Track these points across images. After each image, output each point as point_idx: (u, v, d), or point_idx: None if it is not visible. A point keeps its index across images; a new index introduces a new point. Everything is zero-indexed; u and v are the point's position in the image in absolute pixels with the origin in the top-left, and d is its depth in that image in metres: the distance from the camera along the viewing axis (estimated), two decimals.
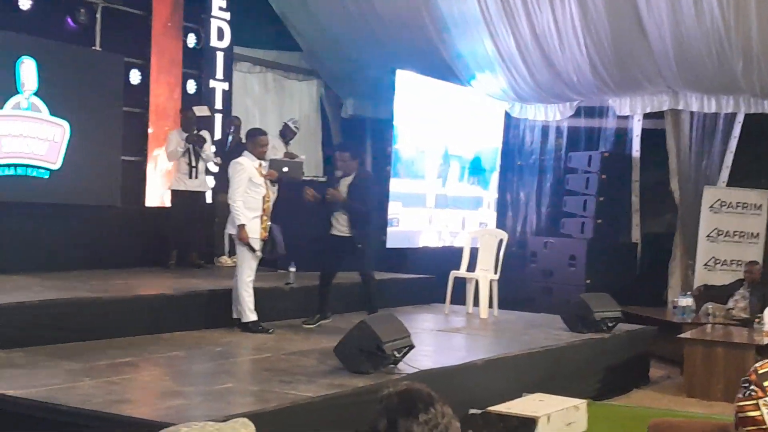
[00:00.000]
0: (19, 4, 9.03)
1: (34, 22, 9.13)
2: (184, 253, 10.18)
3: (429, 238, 12.12)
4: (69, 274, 8.60)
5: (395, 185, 11.51)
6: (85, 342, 6.67)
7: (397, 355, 6.24)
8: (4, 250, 8.61)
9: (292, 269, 8.91)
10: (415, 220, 11.89)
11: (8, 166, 8.80)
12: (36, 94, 9.00)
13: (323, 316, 8.26)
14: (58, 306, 6.86)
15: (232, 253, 9.66)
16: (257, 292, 7.79)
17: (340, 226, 8.02)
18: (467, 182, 12.81)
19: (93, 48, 9.84)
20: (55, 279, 8.17)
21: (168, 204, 10.25)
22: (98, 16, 9.86)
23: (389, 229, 11.37)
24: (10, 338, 6.33)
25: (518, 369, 7.27)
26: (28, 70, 8.93)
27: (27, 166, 8.97)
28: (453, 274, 9.72)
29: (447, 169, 12.40)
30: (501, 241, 9.76)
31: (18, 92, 8.86)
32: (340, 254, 8.06)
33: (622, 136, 12.32)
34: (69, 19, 9.57)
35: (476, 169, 12.97)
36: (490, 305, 9.64)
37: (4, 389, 5.11)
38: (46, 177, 9.15)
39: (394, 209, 11.47)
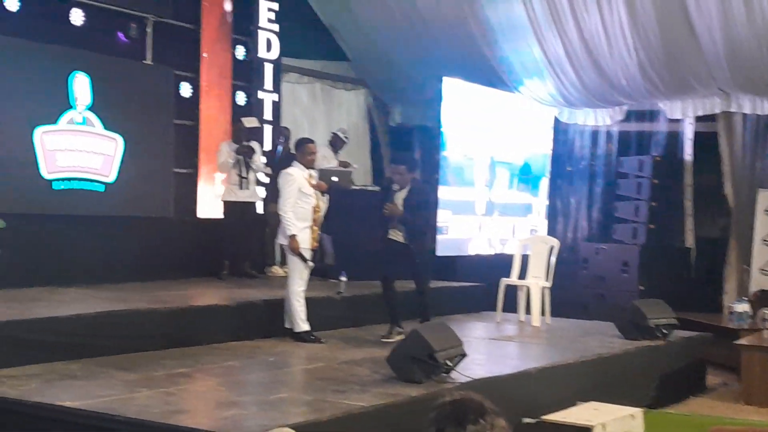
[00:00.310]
0: (72, 19, 9.18)
1: (86, 37, 9.29)
2: (237, 264, 10.26)
3: (479, 246, 12.08)
4: (124, 286, 8.71)
5: (444, 193, 11.50)
6: (141, 353, 6.74)
7: (450, 364, 6.22)
8: (61, 263, 8.76)
9: (343, 278, 8.93)
10: (464, 227, 11.86)
11: (64, 180, 8.97)
12: (90, 108, 9.16)
13: (398, 326, 7.96)
14: (114, 317, 6.96)
15: (284, 263, 9.72)
16: (309, 301, 7.82)
17: (398, 232, 7.96)
18: (517, 189, 12.76)
19: (144, 62, 9.98)
20: (110, 291, 8.28)
21: (220, 215, 10.34)
22: (149, 30, 9.99)
23: (439, 237, 11.35)
24: (68, 350, 6.43)
25: (572, 377, 7.20)
26: (81, 85, 9.10)
27: (82, 179, 9.13)
28: (504, 281, 9.66)
29: (496, 176, 12.37)
30: (552, 247, 9.69)
31: (72, 107, 9.03)
32: (397, 260, 7.96)
33: (673, 139, 12.17)
34: (120, 34, 9.71)
35: (526, 175, 12.91)
36: (542, 313, 9.57)
37: (63, 401, 5.19)
38: (101, 190, 9.30)
39: (443, 217, 11.46)
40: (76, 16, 9.21)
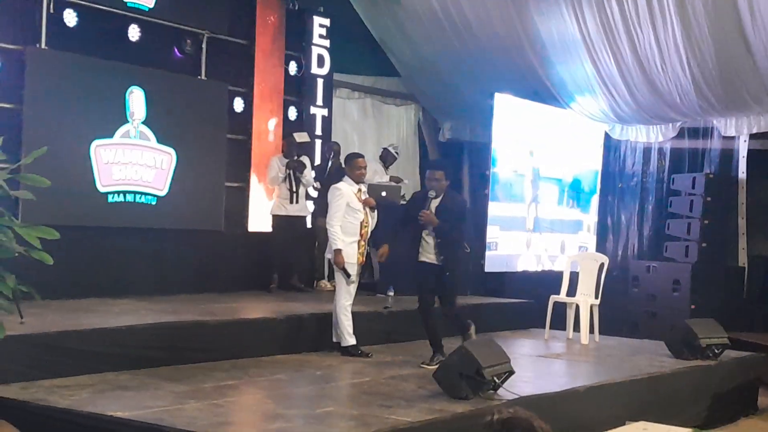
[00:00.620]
0: (129, 35, 9.36)
1: (142, 53, 9.46)
2: (286, 277, 10.35)
3: (527, 262, 12.04)
4: (175, 298, 8.83)
5: (494, 209, 11.48)
6: (190, 365, 6.83)
7: (497, 381, 6.20)
8: (113, 274, 8.91)
9: (391, 293, 8.97)
10: (513, 243, 11.83)
11: (118, 192, 9.13)
12: (144, 122, 9.32)
13: (440, 353, 7.48)
14: (165, 329, 7.06)
15: (332, 277, 9.77)
16: (356, 316, 7.85)
17: (428, 252, 7.55)
18: (566, 205, 12.70)
19: (198, 77, 10.13)
20: (162, 302, 8.40)
21: (269, 229, 10.44)
22: (204, 46, 10.14)
23: (487, 253, 11.33)
24: (119, 361, 6.54)
25: (621, 396, 7.13)
26: (136, 100, 9.27)
27: (136, 192, 9.29)
28: (553, 298, 9.61)
29: (545, 192, 12.33)
30: (602, 265, 9.61)
31: (127, 121, 9.20)
32: (431, 283, 7.58)
33: (727, 157, 11.99)
34: (176, 50, 9.87)
35: (576, 191, 12.85)
36: (591, 330, 9.49)
37: (114, 411, 5.27)
38: (154, 203, 9.45)
39: (492, 233, 11.44)
40: (133, 32, 9.37)
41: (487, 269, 11.30)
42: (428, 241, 7.55)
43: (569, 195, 12.72)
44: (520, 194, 11.95)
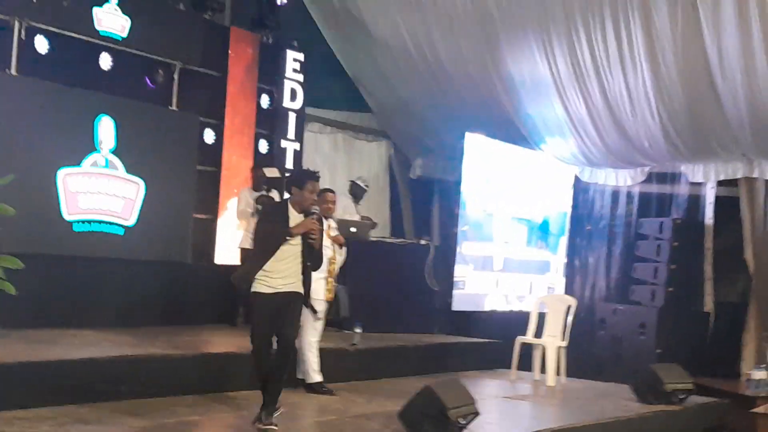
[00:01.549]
0: (101, 63, 9.31)
1: (113, 82, 9.41)
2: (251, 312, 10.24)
3: (496, 302, 12.03)
4: (140, 330, 8.71)
5: (464, 248, 11.49)
6: (154, 398, 6.71)
7: (462, 422, 6.17)
8: (77, 305, 8.77)
9: (358, 330, 8.90)
10: (481, 283, 11.83)
11: (85, 221, 9.03)
12: (113, 151, 9.25)
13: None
14: (128, 362, 6.94)
15: None
16: (322, 352, 7.78)
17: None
18: (535, 246, 12.73)
19: (170, 107, 10.09)
20: (125, 335, 8.28)
21: (237, 261, 10.35)
22: (175, 76, 10.11)
23: (456, 292, 11.32)
24: (81, 393, 6.41)
25: None
26: (106, 129, 9.20)
27: (103, 222, 9.19)
28: (519, 339, 9.60)
29: (514, 233, 12.36)
30: (569, 306, 9.63)
31: (96, 150, 9.12)
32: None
33: (694, 202, 12.10)
34: (147, 79, 9.83)
35: (544, 232, 12.89)
36: (558, 372, 9.48)
37: None
38: (121, 233, 9.35)
39: (461, 272, 11.43)
40: (105, 61, 9.33)
41: (454, 308, 11.28)
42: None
43: (538, 236, 12.75)
44: (489, 234, 11.96)
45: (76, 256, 8.91)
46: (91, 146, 9.08)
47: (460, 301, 11.39)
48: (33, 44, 8.68)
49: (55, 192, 8.76)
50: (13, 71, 8.55)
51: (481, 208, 11.85)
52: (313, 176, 6.36)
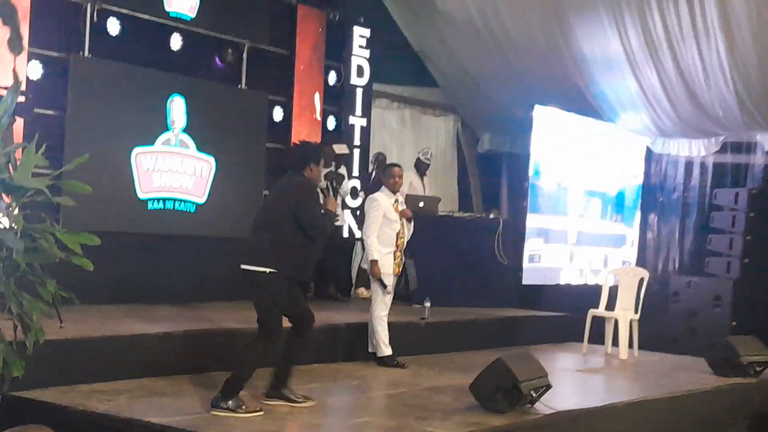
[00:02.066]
0: (171, 44, 9.43)
1: (183, 62, 9.52)
2: (323, 286, 10.34)
3: (570, 276, 11.97)
4: (212, 305, 8.85)
5: (537, 221, 11.43)
6: (227, 372, 6.81)
7: (534, 395, 6.14)
8: (151, 281, 8.95)
9: (427, 304, 8.93)
10: (557, 256, 11.78)
11: (158, 199, 9.19)
12: (184, 130, 9.38)
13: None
14: (202, 336, 7.08)
15: (369, 286, 9.75)
16: (392, 326, 7.83)
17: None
18: (610, 219, 12.62)
19: (239, 86, 10.18)
20: (198, 310, 8.43)
21: None
22: (244, 55, 10.18)
23: (530, 265, 11.28)
24: (157, 367, 6.57)
25: (661, 413, 7.04)
26: (177, 108, 9.33)
27: (175, 199, 9.34)
28: (591, 312, 9.51)
29: (589, 206, 12.27)
30: (642, 279, 9.50)
31: (168, 129, 9.27)
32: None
33: None
34: (217, 59, 9.92)
35: (619, 205, 12.77)
36: (630, 345, 9.38)
37: (150, 417, 5.29)
38: (193, 211, 9.50)
39: (535, 245, 11.40)
40: (175, 41, 9.44)
41: (527, 282, 11.25)
42: None
43: (613, 209, 12.64)
44: (563, 207, 11.88)
45: (149, 233, 9.08)
46: (163, 125, 9.23)
47: (533, 275, 11.35)
48: (105, 26, 8.82)
49: (129, 171, 8.94)
50: (87, 53, 8.72)
51: (552, 181, 11.75)
52: (324, 149, 6.29)
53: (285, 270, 5.90)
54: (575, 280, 11.98)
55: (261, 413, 5.64)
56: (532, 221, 11.42)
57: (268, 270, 5.84)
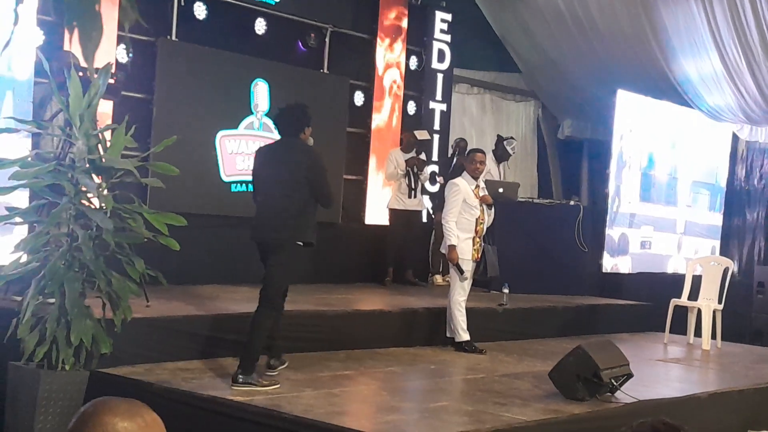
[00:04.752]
0: (255, 28, 9.54)
1: (267, 47, 9.63)
2: (400, 271, 10.39)
3: (677, 264, 12.03)
4: (292, 287, 8.91)
5: (646, 209, 11.68)
6: (307, 353, 6.93)
7: (615, 384, 6.09)
8: (235, 262, 9.08)
9: (506, 290, 8.90)
10: (663, 245, 11.97)
11: (241, 182, 9.33)
12: (267, 114, 9.49)
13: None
14: (284, 318, 7.15)
15: (446, 272, 9.76)
16: (470, 312, 7.82)
17: None
18: (715, 210, 12.60)
19: (321, 71, 10.26)
20: None
21: (386, 222, 10.49)
22: (327, 40, 10.26)
23: (639, 252, 11.43)
24: (239, 346, 6.65)
25: (744, 404, 6.91)
26: (261, 92, 9.45)
27: None
28: (674, 302, 9.36)
29: (675, 194, 12.17)
30: (726, 269, 9.32)
31: (251, 113, 9.39)
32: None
33: None
34: (300, 43, 10.01)
35: (715, 194, 12.65)
36: (713, 336, 9.21)
37: (234, 395, 5.39)
38: None
39: (646, 233, 11.51)
40: (260, 26, 9.56)
41: (634, 270, 11.22)
42: None
43: (711, 198, 12.61)
44: (648, 194, 11.79)
45: (233, 215, 9.22)
46: (246, 109, 9.36)
47: (643, 262, 11.49)
48: (192, 11, 8.97)
49: (214, 154, 9.08)
50: (174, 37, 8.88)
51: (637, 167, 11.60)
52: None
53: (309, 238, 6.05)
54: (682, 269, 11.89)
55: (279, 386, 5.73)
56: (643, 209, 11.58)
57: (301, 242, 5.99)
